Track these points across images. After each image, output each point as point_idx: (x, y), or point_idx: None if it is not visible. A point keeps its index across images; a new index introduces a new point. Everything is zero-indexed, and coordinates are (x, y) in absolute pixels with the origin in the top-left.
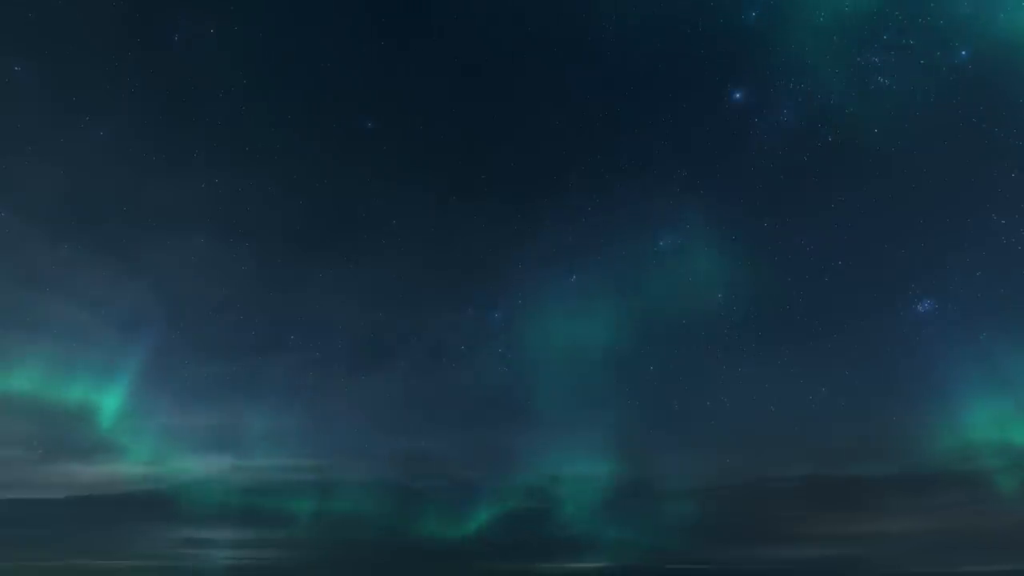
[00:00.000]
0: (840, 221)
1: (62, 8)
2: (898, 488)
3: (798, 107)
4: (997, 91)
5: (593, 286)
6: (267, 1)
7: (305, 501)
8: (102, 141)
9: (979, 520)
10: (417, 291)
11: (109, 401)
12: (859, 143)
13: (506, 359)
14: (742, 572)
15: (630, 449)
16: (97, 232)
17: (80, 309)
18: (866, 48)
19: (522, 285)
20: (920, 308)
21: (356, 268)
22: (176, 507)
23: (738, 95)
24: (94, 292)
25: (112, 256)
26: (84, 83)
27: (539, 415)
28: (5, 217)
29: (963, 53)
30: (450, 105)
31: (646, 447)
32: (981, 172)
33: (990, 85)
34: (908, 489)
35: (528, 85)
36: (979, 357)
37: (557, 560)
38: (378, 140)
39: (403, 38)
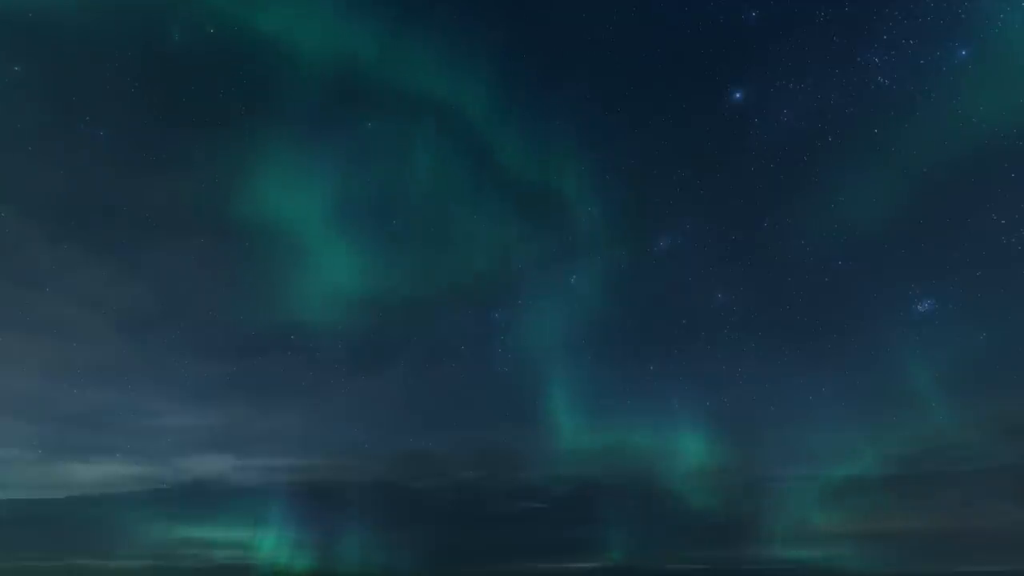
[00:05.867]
0: (840, 221)
1: (62, 8)
2: (898, 488)
3: (798, 107)
4: (997, 91)
5: (593, 286)
6: (267, 1)
7: (304, 500)
8: (102, 141)
9: (978, 520)
10: (417, 291)
11: (110, 401)
12: (859, 143)
13: (506, 359)
14: (742, 572)
15: (630, 449)
16: (97, 232)
17: (80, 309)
18: (866, 48)
19: (522, 285)
20: (920, 308)
21: (356, 267)
22: (176, 507)
23: (738, 95)
24: (94, 292)
25: (112, 256)
26: (84, 83)
27: (539, 415)
28: (5, 217)
29: (963, 53)
30: (449, 104)
31: (646, 446)
32: (981, 172)
33: (990, 85)
34: (908, 489)
35: (528, 85)
36: (979, 357)
37: (557, 560)
38: (377, 139)
39: (408, 45)
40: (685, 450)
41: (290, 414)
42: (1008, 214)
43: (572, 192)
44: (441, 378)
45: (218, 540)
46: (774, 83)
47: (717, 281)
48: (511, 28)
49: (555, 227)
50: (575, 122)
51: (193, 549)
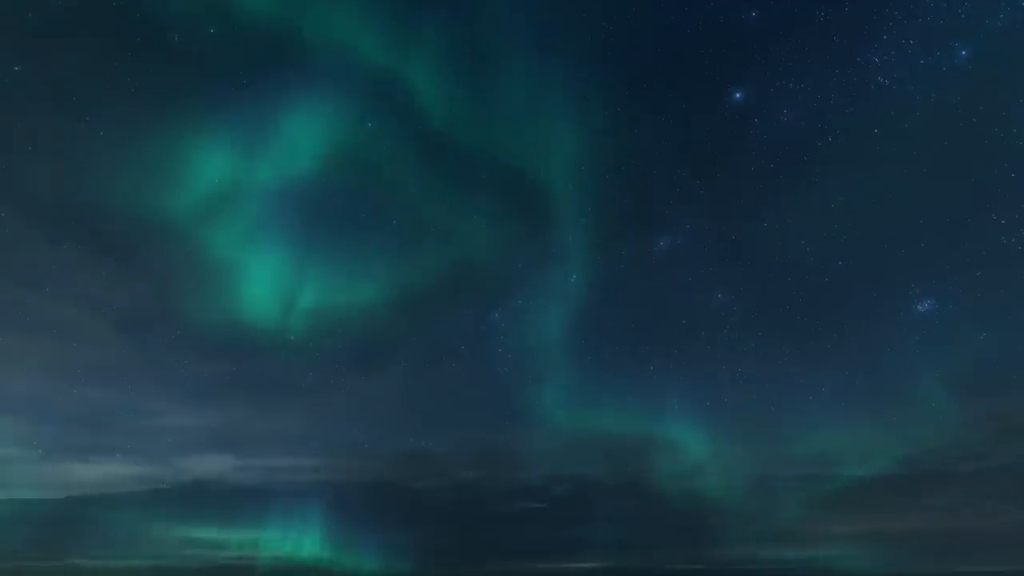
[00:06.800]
0: (840, 221)
1: (62, 8)
2: (898, 488)
3: (798, 107)
4: (997, 91)
5: (592, 286)
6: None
7: (304, 500)
8: (102, 141)
9: (978, 520)
10: (416, 291)
11: (110, 401)
12: (859, 143)
13: (506, 359)
14: (742, 572)
15: (629, 448)
16: (97, 232)
17: (80, 309)
18: (866, 48)
19: (521, 285)
20: (920, 308)
21: (355, 267)
22: (176, 507)
23: (738, 95)
24: (94, 292)
25: (112, 256)
26: (84, 83)
27: (538, 415)
28: (5, 217)
29: (963, 53)
30: (446, 104)
31: (645, 446)
32: (981, 172)
33: (990, 85)
34: (908, 489)
35: (527, 85)
36: (979, 357)
37: (557, 560)
38: (378, 139)
39: (409, 45)
40: (685, 450)
41: (290, 414)
42: (1008, 214)
43: (572, 192)
44: (441, 378)
45: (218, 540)
46: (774, 83)
47: (717, 281)
48: (512, 27)
49: (555, 227)
50: (575, 122)
51: (193, 549)
